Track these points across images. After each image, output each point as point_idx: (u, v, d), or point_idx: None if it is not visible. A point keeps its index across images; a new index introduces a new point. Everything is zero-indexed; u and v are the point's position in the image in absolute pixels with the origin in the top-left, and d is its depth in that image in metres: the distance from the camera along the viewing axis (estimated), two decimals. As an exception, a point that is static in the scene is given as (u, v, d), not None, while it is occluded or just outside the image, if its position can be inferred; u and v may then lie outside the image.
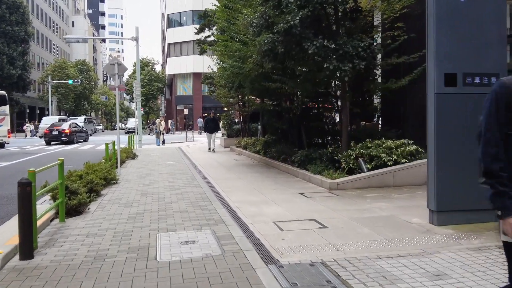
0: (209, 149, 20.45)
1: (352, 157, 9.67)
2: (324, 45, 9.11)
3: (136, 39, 26.49)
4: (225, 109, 51.66)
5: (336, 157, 10.33)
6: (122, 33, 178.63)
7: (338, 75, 9.84)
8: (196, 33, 25.75)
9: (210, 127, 20.44)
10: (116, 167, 12.64)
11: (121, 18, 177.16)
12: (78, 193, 7.29)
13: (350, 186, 8.88)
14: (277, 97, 14.05)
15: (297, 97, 12.75)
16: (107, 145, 12.60)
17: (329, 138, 13.30)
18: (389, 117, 12.33)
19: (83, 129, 36.58)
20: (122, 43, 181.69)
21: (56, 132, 31.61)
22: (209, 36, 24.87)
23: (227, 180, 10.55)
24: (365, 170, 9.34)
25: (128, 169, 13.54)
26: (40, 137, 38.12)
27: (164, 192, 9.02)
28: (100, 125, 75.08)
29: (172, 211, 7.09)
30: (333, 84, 12.07)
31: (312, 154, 11.07)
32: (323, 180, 9.14)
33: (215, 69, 22.44)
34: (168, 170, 12.99)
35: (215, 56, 18.75)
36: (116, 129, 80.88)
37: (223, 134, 25.52)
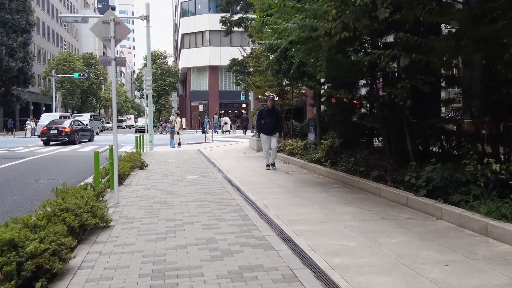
0: (268, 165, 12.01)
1: None
2: None
3: (146, 18, 21.82)
4: (244, 105, 46.51)
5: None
6: (133, 30, 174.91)
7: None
8: (220, 9, 20.89)
9: (269, 125, 11.82)
10: (117, 183, 7.84)
11: (132, 14, 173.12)
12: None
13: None
14: (360, 76, 9.13)
15: (406, 77, 7.85)
16: (96, 155, 7.78)
17: (453, 144, 8.39)
18: None
19: (88, 127, 31.96)
20: (134, 40, 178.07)
21: (55, 131, 27.09)
22: (237, 13, 20.05)
23: (313, 226, 5.64)
24: None
25: (132, 190, 8.74)
26: (38, 136, 33.70)
27: (203, 266, 4.15)
28: (109, 123, 70.87)
29: None
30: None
31: (458, 176, 6.17)
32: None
33: (249, 50, 17.72)
34: (195, 194, 8.15)
35: (242, 45, 13.95)
36: (124, 127, 77.21)
37: (254, 135, 20.59)
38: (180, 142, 21.88)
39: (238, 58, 19.58)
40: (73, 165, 15.06)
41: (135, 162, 12.10)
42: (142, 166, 12.60)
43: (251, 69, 17.41)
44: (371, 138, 11.15)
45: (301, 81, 13.48)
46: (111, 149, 9.26)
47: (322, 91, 11.91)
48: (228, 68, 22.05)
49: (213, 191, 8.49)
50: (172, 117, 22.91)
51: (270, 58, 12.73)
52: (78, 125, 29.75)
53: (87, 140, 30.12)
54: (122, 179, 10.04)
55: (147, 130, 21.02)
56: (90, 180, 9.02)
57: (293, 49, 9.31)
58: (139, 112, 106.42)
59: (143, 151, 18.97)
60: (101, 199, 6.96)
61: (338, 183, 9.16)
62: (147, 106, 21.92)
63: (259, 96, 18.45)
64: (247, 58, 17.27)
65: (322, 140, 11.82)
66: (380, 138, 11.21)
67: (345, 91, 9.77)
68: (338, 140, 11.19)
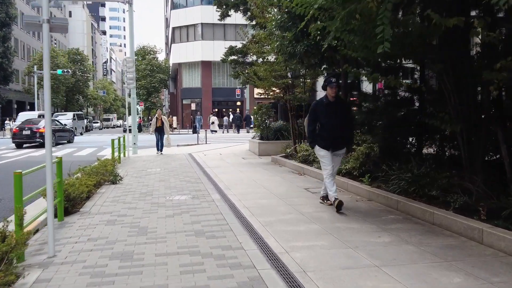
0: (324, 197, 6.90)
1: None
2: None
3: (129, 1, 18.79)
4: (235, 103, 43.71)
5: None
6: (124, 27, 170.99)
7: None
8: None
9: (331, 131, 6.47)
10: (52, 221, 4.90)
11: (123, 12, 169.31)
12: None
13: None
14: (431, 52, 6.18)
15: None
16: (17, 179, 4.76)
17: None
18: None
19: (67, 127, 28.80)
20: (125, 38, 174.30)
21: (28, 132, 24.00)
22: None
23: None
24: None
25: (87, 225, 5.79)
26: (13, 137, 30.54)
27: None
28: (97, 122, 67.74)
29: None
30: None
31: None
32: None
33: (250, 35, 14.80)
34: (181, 235, 5.21)
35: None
36: (113, 127, 74.57)
37: (254, 136, 17.64)
38: (162, 145, 17.60)
39: (236, 46, 16.62)
40: (35, 175, 12.02)
41: (102, 176, 9.11)
42: (114, 179, 9.62)
43: (253, 58, 14.52)
44: (420, 144, 8.27)
45: (319, 68, 10.61)
46: (58, 162, 6.34)
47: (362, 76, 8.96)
48: (224, 58, 18.98)
49: (209, 227, 5.55)
50: (157, 115, 17.64)
51: (277, 42, 9.89)
52: (56, 125, 26.74)
53: (66, 141, 27.17)
54: (79, 203, 7.11)
55: (128, 129, 18.03)
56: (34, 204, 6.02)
57: (318, 21, 6.53)
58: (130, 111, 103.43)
59: (124, 155, 16.01)
60: (21, 252, 4.00)
61: (392, 211, 6.25)
62: (129, 99, 18.75)
63: (259, 91, 15.51)
64: (249, 43, 14.29)
65: (354, 147, 8.89)
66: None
67: (396, 77, 6.87)
68: (376, 146, 8.27)
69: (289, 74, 13.08)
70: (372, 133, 8.32)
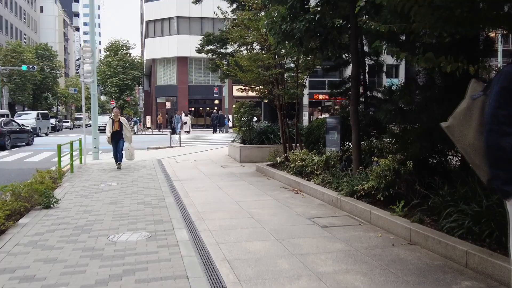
0: None
1: None
2: None
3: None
4: (213, 102, 41.25)
5: None
6: (99, 24, 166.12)
7: None
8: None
9: None
10: None
11: (98, 8, 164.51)
12: None
13: None
14: None
15: None
16: None
17: None
18: None
19: (25, 128, 25.92)
20: (100, 35, 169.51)
21: (-19, 133, 21.21)
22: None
23: None
24: None
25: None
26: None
27: None
28: (68, 122, 64.20)
29: None
30: None
31: None
32: None
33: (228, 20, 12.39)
34: None
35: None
36: (88, 125, 71.61)
37: (235, 139, 15.18)
38: (121, 155, 12.54)
39: (213, 33, 14.17)
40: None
41: (23, 202, 6.54)
42: (48, 202, 7.09)
43: (234, 47, 12.12)
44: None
45: (320, 53, 8.29)
46: None
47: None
48: (199, 49, 16.41)
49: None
50: (113, 114, 12.73)
51: (267, 18, 7.58)
52: (13, 125, 23.90)
53: (24, 143, 24.35)
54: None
55: (84, 128, 15.41)
56: None
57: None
58: (104, 110, 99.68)
59: (80, 162, 13.44)
60: None
61: (460, 270, 3.91)
62: (85, 98, 15.97)
63: (239, 87, 13.12)
64: (230, 26, 11.84)
65: (374, 158, 6.56)
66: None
67: (456, 59, 4.52)
68: (407, 159, 5.94)
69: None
70: (402, 141, 5.98)
